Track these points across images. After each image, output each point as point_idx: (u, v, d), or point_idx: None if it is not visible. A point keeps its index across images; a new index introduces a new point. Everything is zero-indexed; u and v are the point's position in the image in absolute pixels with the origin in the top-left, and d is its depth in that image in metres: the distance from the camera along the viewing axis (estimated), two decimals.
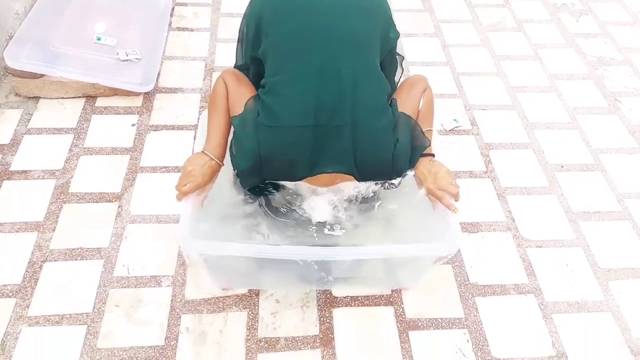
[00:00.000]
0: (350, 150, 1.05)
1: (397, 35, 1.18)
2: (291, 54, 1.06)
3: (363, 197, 1.15)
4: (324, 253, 1.08)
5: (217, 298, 1.24)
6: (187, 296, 1.24)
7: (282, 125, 1.03)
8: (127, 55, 1.71)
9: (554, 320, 1.25)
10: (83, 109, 1.68)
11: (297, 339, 1.18)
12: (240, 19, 1.20)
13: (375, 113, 1.06)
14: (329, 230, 1.14)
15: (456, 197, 1.09)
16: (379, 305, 1.25)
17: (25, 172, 1.48)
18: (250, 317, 1.21)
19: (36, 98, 1.70)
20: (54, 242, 1.32)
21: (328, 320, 1.21)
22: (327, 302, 1.25)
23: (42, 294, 1.22)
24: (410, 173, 1.12)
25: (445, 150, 1.62)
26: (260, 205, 1.20)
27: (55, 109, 1.67)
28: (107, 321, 1.19)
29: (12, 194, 1.42)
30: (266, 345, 1.16)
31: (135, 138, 1.60)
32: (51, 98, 1.70)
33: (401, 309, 1.24)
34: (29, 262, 1.28)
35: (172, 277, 1.27)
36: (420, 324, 1.22)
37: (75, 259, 1.29)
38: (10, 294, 1.22)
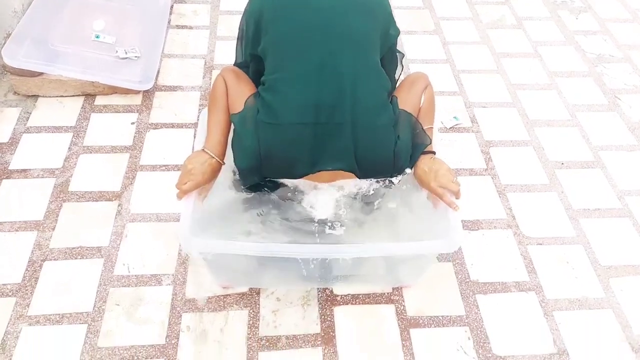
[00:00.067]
0: (351, 147, 1.04)
1: (398, 32, 1.18)
2: (291, 52, 1.06)
3: (364, 195, 1.15)
4: (325, 251, 1.08)
5: (218, 297, 1.24)
6: (188, 295, 1.24)
7: (282, 123, 1.03)
8: (126, 53, 1.71)
9: (554, 317, 1.25)
10: (82, 108, 1.67)
11: (298, 337, 1.18)
12: (240, 17, 1.20)
13: (376, 110, 1.06)
14: (329, 228, 1.14)
15: (457, 194, 1.09)
16: (379, 303, 1.25)
17: (24, 171, 1.48)
18: (251, 315, 1.21)
19: (35, 96, 1.69)
20: (54, 241, 1.32)
21: (329, 319, 1.21)
22: (328, 300, 1.24)
23: (42, 293, 1.22)
24: (409, 171, 1.12)
25: (446, 148, 1.62)
26: (260, 202, 1.20)
27: (54, 108, 1.67)
28: (108, 320, 1.18)
29: (11, 193, 1.42)
30: (267, 344, 1.16)
31: (134, 136, 1.60)
32: (50, 96, 1.69)
33: (402, 307, 1.24)
34: (28, 261, 1.27)
35: (173, 275, 1.27)
36: (421, 321, 1.22)
37: (75, 258, 1.29)
38: (10, 293, 1.22)
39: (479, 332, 1.21)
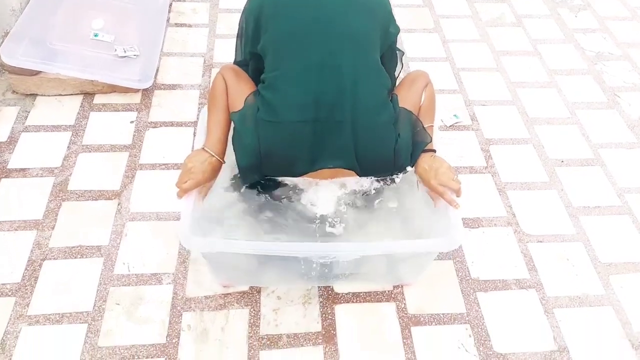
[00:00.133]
0: (351, 145, 1.04)
1: (397, 30, 1.18)
2: (291, 50, 1.05)
3: (364, 194, 1.15)
4: (325, 250, 1.07)
5: (218, 295, 1.23)
6: (188, 294, 1.23)
7: (282, 121, 1.03)
8: (125, 51, 1.70)
9: (555, 314, 1.25)
10: (81, 106, 1.67)
11: (299, 335, 1.18)
12: (239, 15, 1.19)
13: (376, 108, 1.06)
14: (330, 226, 1.14)
15: (458, 193, 1.09)
16: (380, 301, 1.25)
17: (23, 170, 1.47)
18: (252, 314, 1.21)
19: (33, 95, 1.68)
20: (53, 241, 1.31)
21: (330, 317, 1.21)
22: (329, 298, 1.24)
23: (42, 293, 1.22)
24: (410, 169, 1.12)
25: (446, 146, 1.62)
26: (261, 201, 1.20)
27: (52, 106, 1.66)
28: (108, 319, 1.18)
29: (10, 192, 1.41)
30: (268, 342, 1.16)
31: (134, 135, 1.59)
32: (48, 95, 1.68)
33: (403, 305, 1.24)
34: (28, 261, 1.27)
35: (173, 274, 1.27)
36: (422, 319, 1.22)
37: (75, 257, 1.29)
38: (10, 293, 1.21)
39: (479, 330, 1.21)
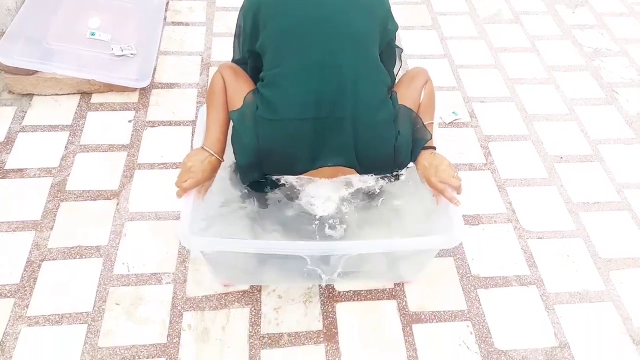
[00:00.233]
0: (351, 143, 1.04)
1: (396, 27, 1.18)
2: (291, 47, 1.05)
3: (365, 193, 1.15)
4: (325, 248, 1.07)
5: (219, 294, 1.23)
6: (189, 293, 1.23)
7: (281, 118, 1.03)
8: (122, 50, 1.69)
9: (555, 310, 1.25)
10: (78, 106, 1.66)
11: (301, 334, 1.18)
12: (237, 13, 1.19)
13: (376, 106, 1.06)
14: (329, 228, 1.13)
15: (458, 190, 1.09)
16: (381, 299, 1.25)
17: (20, 170, 1.46)
18: (253, 313, 1.20)
19: (30, 95, 1.67)
20: (52, 241, 1.31)
21: (331, 315, 1.21)
22: (330, 296, 1.24)
23: (41, 294, 1.21)
24: (412, 165, 1.12)
25: (445, 143, 1.61)
26: (260, 200, 1.19)
27: (49, 106, 1.65)
28: (108, 320, 1.17)
29: (8, 193, 1.40)
30: (269, 341, 1.16)
31: (132, 134, 1.58)
32: (45, 95, 1.67)
33: (404, 303, 1.24)
34: (27, 262, 1.26)
35: (173, 274, 1.26)
36: (423, 317, 1.22)
37: (74, 258, 1.28)
38: (9, 294, 1.20)
39: (480, 327, 1.21)
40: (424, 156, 1.12)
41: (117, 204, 1.40)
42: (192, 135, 1.59)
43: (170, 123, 1.63)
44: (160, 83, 1.75)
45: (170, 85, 1.75)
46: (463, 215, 1.40)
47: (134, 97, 1.69)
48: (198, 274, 1.26)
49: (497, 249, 1.37)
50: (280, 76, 1.04)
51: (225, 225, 1.20)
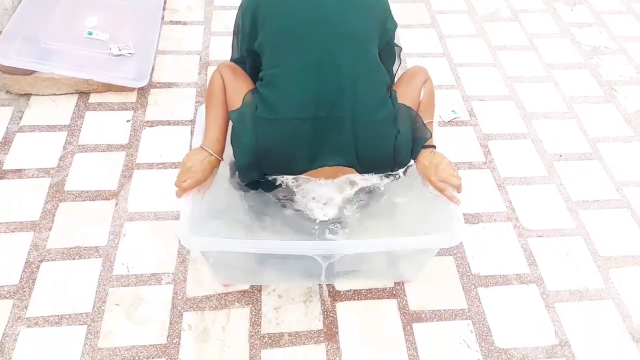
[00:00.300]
0: (351, 142, 1.04)
1: (395, 25, 1.17)
2: (290, 47, 1.04)
3: (366, 192, 1.14)
4: (325, 247, 1.07)
5: (219, 294, 1.23)
6: (189, 293, 1.23)
7: (281, 118, 1.02)
8: (119, 50, 1.68)
9: (556, 309, 1.25)
10: (76, 106, 1.65)
11: (301, 333, 1.17)
12: (235, 12, 1.18)
13: (375, 105, 1.05)
14: (330, 232, 1.13)
15: (458, 188, 1.09)
16: (381, 298, 1.24)
17: (18, 170, 1.45)
18: (253, 313, 1.20)
19: (27, 95, 1.66)
20: (51, 242, 1.30)
21: (331, 315, 1.21)
22: (330, 296, 1.24)
23: (40, 295, 1.20)
24: (412, 163, 1.11)
25: (445, 142, 1.60)
26: (260, 201, 1.19)
27: (47, 106, 1.64)
28: (108, 320, 1.17)
29: (6, 194, 1.40)
30: (270, 341, 1.16)
31: (130, 134, 1.58)
32: (43, 95, 1.66)
33: (404, 302, 1.24)
34: (25, 262, 1.26)
35: (173, 274, 1.26)
36: (423, 316, 1.22)
37: (73, 258, 1.27)
38: (8, 295, 1.20)
39: (481, 325, 1.21)
40: (424, 155, 1.11)
41: (116, 204, 1.39)
42: (191, 134, 1.58)
43: (168, 123, 1.62)
44: (158, 82, 1.75)
45: (168, 85, 1.75)
46: (463, 214, 1.41)
47: (132, 97, 1.69)
48: (198, 274, 1.26)
49: (497, 248, 1.37)
50: (280, 76, 1.04)
51: (225, 225, 1.20)
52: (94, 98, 1.67)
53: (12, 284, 1.22)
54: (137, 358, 1.12)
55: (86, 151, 1.52)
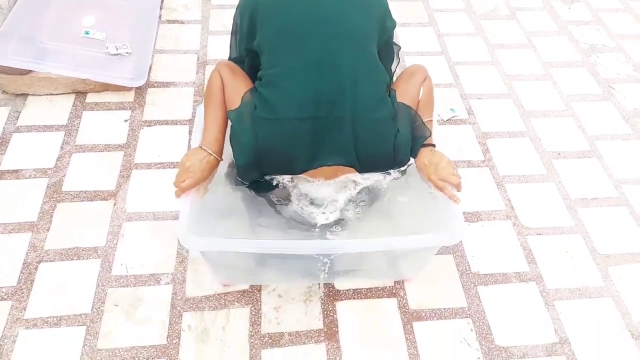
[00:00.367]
0: (351, 142, 1.03)
1: (394, 24, 1.17)
2: (289, 47, 1.04)
3: (366, 192, 1.14)
4: (325, 247, 1.06)
5: (218, 294, 1.22)
6: (188, 293, 1.22)
7: (280, 118, 1.02)
8: (117, 49, 1.67)
9: (555, 307, 1.26)
10: (73, 106, 1.64)
11: (301, 333, 1.17)
12: (233, 11, 1.18)
13: (375, 104, 1.05)
14: (330, 234, 1.13)
15: (458, 187, 1.09)
16: (381, 297, 1.24)
17: (16, 171, 1.45)
18: (253, 312, 1.20)
19: (24, 95, 1.65)
20: (49, 242, 1.29)
21: (331, 314, 1.21)
22: (330, 295, 1.24)
23: (39, 296, 1.20)
24: (413, 161, 1.11)
25: (443, 140, 1.60)
26: (260, 201, 1.19)
27: (44, 106, 1.63)
28: (107, 321, 1.16)
29: (3, 194, 1.39)
30: (270, 341, 1.15)
31: (128, 134, 1.57)
32: (40, 95, 1.65)
33: (404, 301, 1.24)
34: (23, 263, 1.25)
35: (172, 274, 1.25)
36: (423, 314, 1.22)
37: (72, 259, 1.27)
38: (6, 297, 1.19)
39: (481, 324, 1.21)
40: (424, 154, 1.11)
41: (115, 205, 1.38)
42: (189, 134, 1.57)
43: (166, 122, 1.62)
44: (156, 82, 1.74)
45: (166, 84, 1.74)
46: (462, 213, 1.41)
47: (129, 97, 1.68)
48: (197, 274, 1.26)
49: (497, 246, 1.37)
50: (279, 76, 1.03)
51: (224, 225, 1.19)
52: (91, 98, 1.67)
53: (10, 285, 1.21)
54: (136, 359, 1.11)
55: (84, 151, 1.51)
